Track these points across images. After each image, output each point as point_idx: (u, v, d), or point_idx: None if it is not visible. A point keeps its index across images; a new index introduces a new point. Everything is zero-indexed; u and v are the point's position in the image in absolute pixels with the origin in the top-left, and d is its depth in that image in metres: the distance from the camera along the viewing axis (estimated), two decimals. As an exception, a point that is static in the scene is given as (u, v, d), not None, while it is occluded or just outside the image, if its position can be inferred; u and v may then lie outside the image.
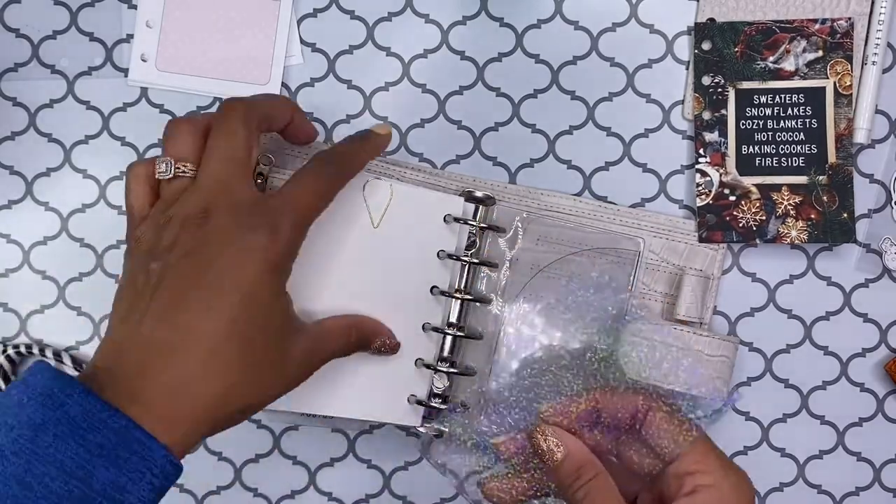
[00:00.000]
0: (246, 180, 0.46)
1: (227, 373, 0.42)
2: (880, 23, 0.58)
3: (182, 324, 0.42)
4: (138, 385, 0.41)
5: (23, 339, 0.61)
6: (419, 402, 0.55)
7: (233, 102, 0.48)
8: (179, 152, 0.47)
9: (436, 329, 0.55)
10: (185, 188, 0.46)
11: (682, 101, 0.60)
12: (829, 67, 0.58)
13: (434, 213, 0.55)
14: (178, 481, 0.61)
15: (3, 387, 0.59)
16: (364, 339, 0.52)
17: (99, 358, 0.43)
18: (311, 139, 0.54)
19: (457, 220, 0.56)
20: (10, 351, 0.59)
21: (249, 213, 0.44)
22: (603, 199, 0.60)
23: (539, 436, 0.47)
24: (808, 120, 0.58)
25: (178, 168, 0.46)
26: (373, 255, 0.54)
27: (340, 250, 0.53)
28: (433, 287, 0.55)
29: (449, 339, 0.56)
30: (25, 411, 0.38)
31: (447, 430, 0.53)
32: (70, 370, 0.60)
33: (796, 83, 0.58)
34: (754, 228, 0.58)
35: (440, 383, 0.55)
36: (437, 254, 0.55)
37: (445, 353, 0.56)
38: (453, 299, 0.56)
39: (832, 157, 0.58)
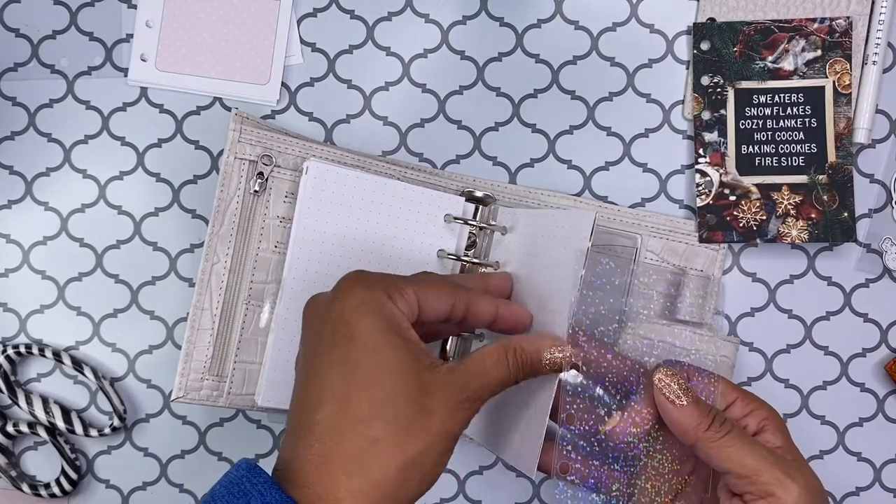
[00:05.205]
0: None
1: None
2: (880, 22, 0.58)
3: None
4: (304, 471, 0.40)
5: (22, 338, 0.61)
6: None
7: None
8: None
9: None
10: None
11: (683, 101, 0.60)
12: (827, 66, 0.58)
13: (434, 213, 0.55)
14: (178, 482, 0.61)
15: (3, 387, 0.59)
16: (528, 362, 0.45)
17: (293, 448, 0.42)
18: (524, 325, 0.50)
19: (457, 219, 0.56)
20: (10, 351, 0.59)
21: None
22: (603, 199, 0.60)
23: (664, 378, 0.45)
24: (807, 119, 0.58)
25: None
26: (373, 254, 0.54)
27: (341, 246, 0.54)
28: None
29: (452, 339, 0.56)
30: (214, 499, 0.39)
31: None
32: (69, 370, 0.60)
33: (795, 83, 0.58)
34: (754, 228, 0.58)
35: None
36: (437, 254, 0.55)
37: (449, 353, 0.56)
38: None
39: (832, 156, 0.58)
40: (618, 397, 0.48)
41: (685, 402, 0.45)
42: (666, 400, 0.45)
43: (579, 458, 0.47)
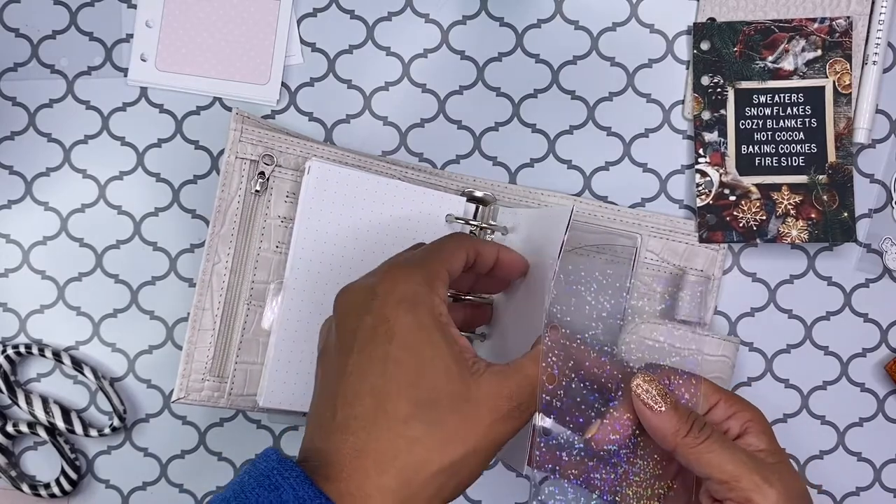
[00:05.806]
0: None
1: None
2: (880, 22, 0.58)
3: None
4: (342, 469, 0.40)
5: (22, 338, 0.61)
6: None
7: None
8: None
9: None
10: None
11: (683, 101, 0.60)
12: (828, 66, 0.58)
13: (435, 213, 0.55)
14: (178, 482, 0.61)
15: (3, 387, 0.59)
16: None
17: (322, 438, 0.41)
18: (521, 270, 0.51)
19: (458, 219, 0.56)
20: (10, 351, 0.59)
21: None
22: (603, 199, 0.60)
23: (642, 384, 0.44)
24: (807, 119, 0.58)
25: None
26: (374, 254, 0.54)
27: (343, 246, 0.53)
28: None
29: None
30: (244, 491, 0.39)
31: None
32: (69, 370, 0.60)
33: (795, 83, 0.58)
34: (754, 228, 0.58)
35: None
36: (438, 253, 0.55)
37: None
38: (453, 299, 0.56)
39: (832, 156, 0.58)
40: (595, 405, 0.47)
41: (664, 408, 0.44)
42: (644, 406, 0.44)
43: (558, 466, 0.47)
